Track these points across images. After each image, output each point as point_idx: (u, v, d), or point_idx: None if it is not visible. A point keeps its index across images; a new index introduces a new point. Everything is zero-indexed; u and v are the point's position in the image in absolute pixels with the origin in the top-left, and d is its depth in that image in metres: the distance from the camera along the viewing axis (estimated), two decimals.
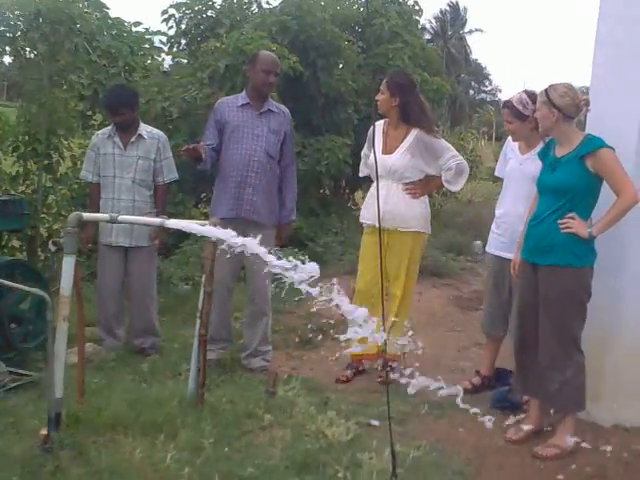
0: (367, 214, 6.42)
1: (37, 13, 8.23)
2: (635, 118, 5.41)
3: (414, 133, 6.23)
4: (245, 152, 6.27)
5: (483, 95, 66.05)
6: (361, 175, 6.83)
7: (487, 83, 67.49)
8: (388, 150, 6.23)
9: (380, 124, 6.42)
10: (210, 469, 4.31)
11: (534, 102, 5.41)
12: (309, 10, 11.30)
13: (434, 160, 6.28)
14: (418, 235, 6.34)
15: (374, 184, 6.38)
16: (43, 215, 8.49)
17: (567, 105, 4.97)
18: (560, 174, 5.02)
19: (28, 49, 8.70)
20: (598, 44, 5.66)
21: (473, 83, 63.26)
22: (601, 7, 5.65)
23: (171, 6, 11.88)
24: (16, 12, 8.28)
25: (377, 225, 6.15)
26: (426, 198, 6.46)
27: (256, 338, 6.47)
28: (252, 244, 4.16)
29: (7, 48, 8.73)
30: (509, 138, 6.14)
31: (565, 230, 4.96)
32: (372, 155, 6.37)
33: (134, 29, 9.84)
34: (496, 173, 6.53)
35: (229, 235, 4.24)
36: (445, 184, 6.39)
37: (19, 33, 8.46)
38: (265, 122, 6.34)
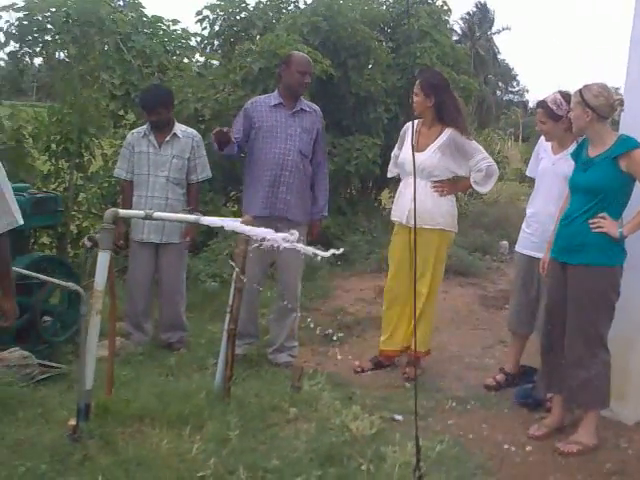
0: (396, 211, 6.49)
1: (67, 15, 8.36)
2: None
3: (447, 133, 6.29)
4: (279, 151, 6.32)
5: (510, 96, 65.58)
6: (389, 175, 6.88)
7: (514, 84, 67.06)
8: (419, 148, 6.25)
9: (411, 124, 6.49)
10: (235, 460, 4.36)
11: (568, 103, 5.43)
12: (339, 10, 11.32)
13: (464, 161, 6.33)
14: (444, 233, 6.39)
15: (402, 182, 6.45)
16: (74, 213, 8.62)
17: (601, 105, 4.99)
18: (593, 174, 5.04)
19: (58, 51, 8.84)
20: (633, 43, 5.61)
21: (500, 84, 62.75)
22: (637, 5, 5.58)
23: (205, 7, 11.95)
24: (46, 14, 8.41)
25: (405, 222, 6.24)
26: (453, 197, 6.51)
27: (283, 334, 6.54)
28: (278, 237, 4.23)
29: (37, 50, 8.87)
30: (542, 138, 6.14)
31: (596, 230, 4.98)
32: (400, 154, 6.44)
33: (172, 27, 9.95)
34: (527, 173, 6.54)
35: (261, 232, 4.33)
36: (474, 185, 6.42)
37: (49, 36, 8.58)
38: (298, 122, 6.39)
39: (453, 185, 6.44)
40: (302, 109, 6.46)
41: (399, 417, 5.38)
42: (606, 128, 5.11)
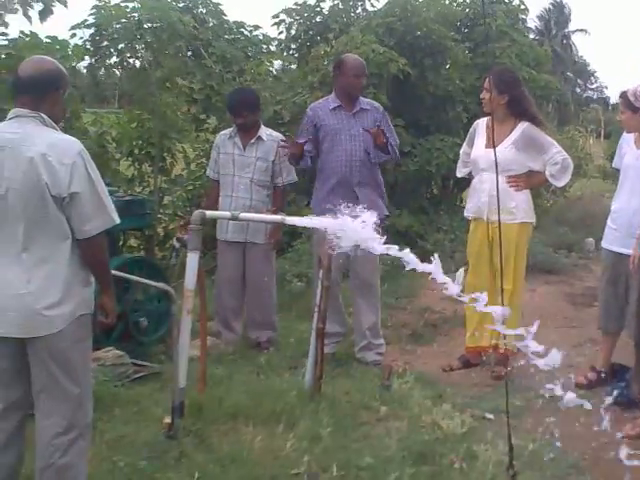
0: (472, 207, 6.45)
1: (138, 23, 8.51)
2: None
3: (521, 127, 6.24)
4: (344, 153, 6.37)
5: (590, 93, 64.60)
6: (459, 175, 6.88)
7: (593, 80, 66.09)
8: (492, 144, 6.21)
9: (483, 121, 6.47)
10: (328, 458, 4.42)
11: None
12: (414, 11, 11.29)
13: (539, 155, 6.27)
14: (523, 225, 6.32)
15: (476, 178, 6.39)
16: (160, 215, 8.74)
17: None
18: None
19: (132, 59, 9.03)
20: None
21: (579, 81, 61.88)
22: None
23: (282, 11, 12.06)
24: (117, 26, 8.57)
25: (482, 217, 6.20)
26: (528, 190, 6.43)
27: (367, 332, 6.54)
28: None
29: (113, 61, 9.07)
30: (625, 131, 6.10)
31: None
32: (472, 151, 6.42)
33: (254, 33, 10.08)
34: (614, 165, 6.47)
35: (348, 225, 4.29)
36: (549, 178, 6.36)
37: (122, 45, 8.74)
38: (360, 122, 6.42)
39: (528, 179, 6.37)
40: (362, 109, 6.48)
41: (490, 416, 5.33)
42: None
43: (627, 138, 6.05)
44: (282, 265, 8.34)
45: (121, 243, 7.03)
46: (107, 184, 7.44)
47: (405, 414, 5.15)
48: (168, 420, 4.60)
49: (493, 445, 4.67)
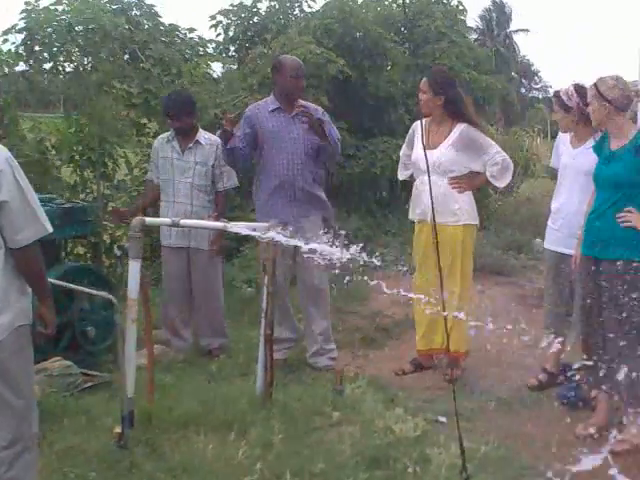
0: (416, 210, 6.43)
1: (69, 26, 8.37)
2: None
3: (459, 128, 6.26)
4: (286, 156, 6.31)
5: (535, 93, 65.08)
6: (401, 178, 6.89)
7: (537, 80, 66.67)
8: (431, 146, 6.17)
9: (419, 123, 6.45)
10: (281, 465, 4.38)
11: (580, 95, 5.48)
12: (352, 12, 11.30)
13: (478, 156, 6.29)
14: (467, 227, 6.33)
15: (418, 180, 6.39)
16: (105, 222, 8.60)
17: (617, 97, 4.95)
18: (615, 167, 4.99)
19: (67, 62, 8.88)
20: None
21: (524, 81, 62.40)
22: None
23: (219, 12, 11.99)
24: (48, 29, 8.42)
25: (425, 220, 6.17)
26: (470, 192, 6.45)
27: (319, 337, 6.51)
28: None
29: (48, 65, 8.90)
30: (560, 131, 6.17)
31: (625, 224, 4.92)
32: (413, 153, 6.41)
33: (189, 35, 9.97)
34: (551, 164, 6.53)
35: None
36: (490, 179, 6.37)
37: (55, 49, 8.60)
38: (299, 124, 6.34)
39: (470, 181, 6.39)
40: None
41: (443, 419, 5.30)
42: (625, 120, 5.06)
43: (563, 138, 6.12)
44: (231, 271, 8.28)
45: (67, 251, 6.90)
46: (47, 192, 7.40)
47: (358, 419, 5.12)
48: (118, 430, 4.53)
49: (446, 448, 4.64)
